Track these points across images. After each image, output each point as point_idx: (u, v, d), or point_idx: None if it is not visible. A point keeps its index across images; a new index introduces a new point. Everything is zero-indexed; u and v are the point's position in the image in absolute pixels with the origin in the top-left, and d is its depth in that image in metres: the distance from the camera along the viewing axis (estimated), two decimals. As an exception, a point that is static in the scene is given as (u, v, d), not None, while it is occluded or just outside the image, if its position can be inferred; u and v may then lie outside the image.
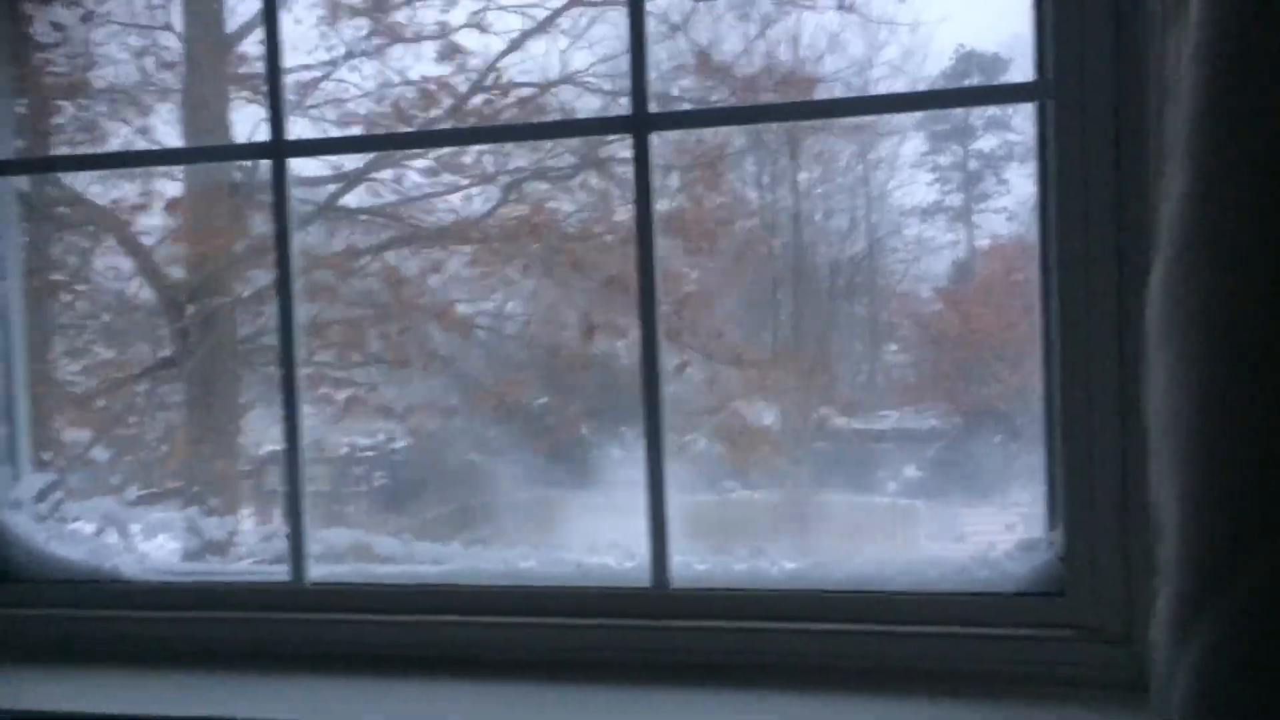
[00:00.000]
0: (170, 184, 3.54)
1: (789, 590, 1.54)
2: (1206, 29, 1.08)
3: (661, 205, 2.65)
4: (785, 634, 1.50)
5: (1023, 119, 2.63)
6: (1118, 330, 1.40)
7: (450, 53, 3.29)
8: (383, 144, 1.94)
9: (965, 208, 3.33)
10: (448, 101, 3.31)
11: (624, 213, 3.26)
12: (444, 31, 3.28)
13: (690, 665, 1.51)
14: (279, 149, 1.68)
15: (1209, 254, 1.10)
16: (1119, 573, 1.41)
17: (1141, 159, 1.36)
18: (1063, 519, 1.44)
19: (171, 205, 3.56)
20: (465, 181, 3.35)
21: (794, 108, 1.75)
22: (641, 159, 1.57)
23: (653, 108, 1.56)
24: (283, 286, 1.68)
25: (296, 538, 1.66)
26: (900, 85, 2.85)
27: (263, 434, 3.46)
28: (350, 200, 3.82)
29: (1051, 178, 1.44)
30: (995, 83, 2.87)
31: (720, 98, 3.31)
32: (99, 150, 2.93)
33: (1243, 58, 1.06)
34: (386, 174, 3.56)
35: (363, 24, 3.28)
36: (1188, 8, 1.18)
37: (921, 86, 2.78)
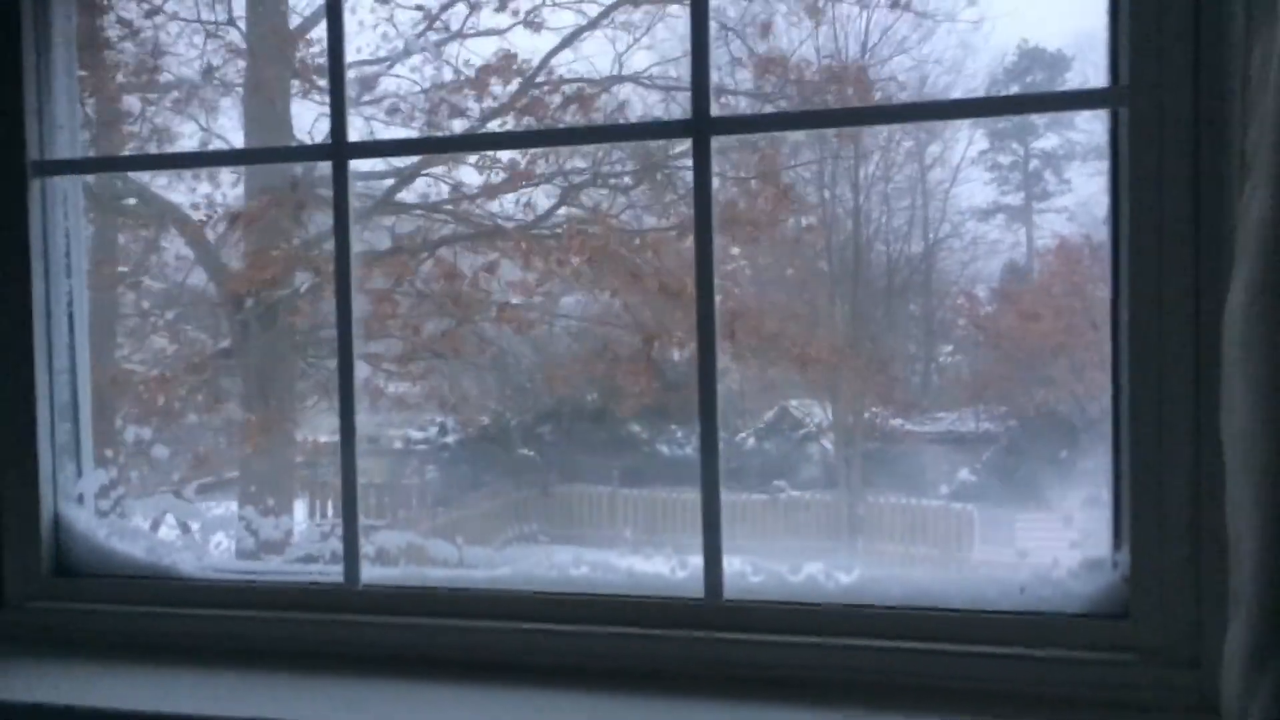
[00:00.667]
0: (232, 178, 3.58)
1: (844, 605, 1.51)
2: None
3: (719, 199, 2.61)
4: (840, 650, 1.47)
5: (1086, 118, 2.56)
6: (1193, 347, 1.34)
7: (507, 51, 3.30)
8: (442, 145, 1.93)
9: (1025, 207, 3.26)
10: (504, 95, 3.31)
11: (681, 212, 3.25)
12: (500, 28, 3.29)
13: (742, 679, 1.49)
14: (340, 151, 1.68)
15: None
16: (1187, 595, 1.36)
17: (1221, 172, 1.31)
18: (1129, 539, 1.40)
19: (234, 199, 3.62)
20: (522, 181, 3.35)
21: (856, 113, 1.71)
22: (703, 163, 1.55)
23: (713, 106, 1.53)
24: (341, 285, 1.68)
25: (350, 541, 1.66)
26: (961, 82, 2.79)
27: (320, 425, 3.50)
28: (406, 196, 3.85)
29: (1124, 188, 1.39)
30: (1058, 80, 2.81)
31: (775, 90, 3.27)
32: (165, 145, 2.97)
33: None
34: (439, 169, 3.58)
35: (420, 20, 3.29)
36: (1275, 14, 1.13)
37: (982, 81, 2.70)
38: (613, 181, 3.18)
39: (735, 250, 2.58)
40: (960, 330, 3.34)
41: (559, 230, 3.22)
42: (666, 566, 1.63)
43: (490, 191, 3.18)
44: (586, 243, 3.21)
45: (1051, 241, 3.14)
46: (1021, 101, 1.51)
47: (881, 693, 1.43)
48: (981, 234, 3.33)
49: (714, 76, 1.54)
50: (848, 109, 1.73)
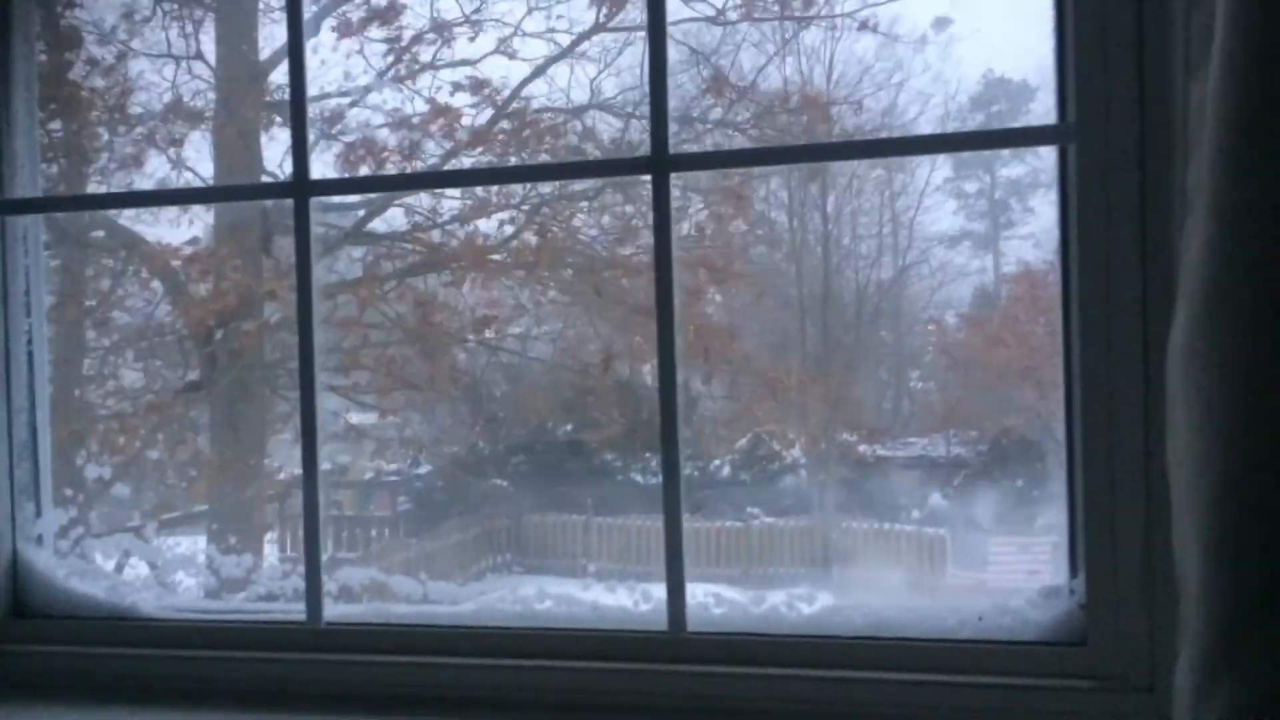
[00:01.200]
0: (203, 209, 3.58)
1: (807, 636, 1.52)
2: (1226, 78, 1.06)
3: (684, 228, 2.63)
4: (803, 681, 1.48)
5: (1050, 149, 2.61)
6: (1142, 375, 1.37)
7: (476, 80, 3.32)
8: (405, 184, 1.94)
9: (991, 234, 3.30)
10: (471, 125, 3.34)
11: (648, 235, 3.27)
12: (468, 60, 3.32)
13: (707, 710, 1.49)
14: (302, 189, 1.69)
15: (1231, 301, 1.08)
16: (1142, 622, 1.38)
17: (1166, 206, 1.34)
18: (1084, 566, 1.42)
19: (202, 232, 3.62)
20: (490, 205, 3.38)
21: (815, 149, 1.74)
22: (661, 199, 1.57)
23: (673, 131, 1.56)
24: (303, 319, 1.69)
25: (312, 579, 1.66)
26: (927, 110, 2.83)
27: (292, 457, 3.50)
28: (378, 225, 3.86)
29: (1072, 220, 1.42)
30: (1022, 109, 2.85)
31: (743, 118, 3.31)
32: (134, 177, 2.98)
33: (1262, 107, 1.04)
34: (411, 200, 3.59)
35: (388, 51, 3.32)
36: (1209, 55, 1.16)
37: (949, 111, 2.75)
38: (584, 204, 3.20)
39: (703, 274, 2.60)
40: (929, 356, 3.38)
41: (529, 255, 3.24)
42: (630, 599, 1.63)
43: (465, 217, 3.20)
44: (558, 264, 3.23)
45: (1016, 268, 3.18)
46: (973, 138, 1.55)
47: (843, 724, 1.44)
48: (949, 260, 3.37)
49: (680, 104, 1.57)
50: (806, 145, 1.76)
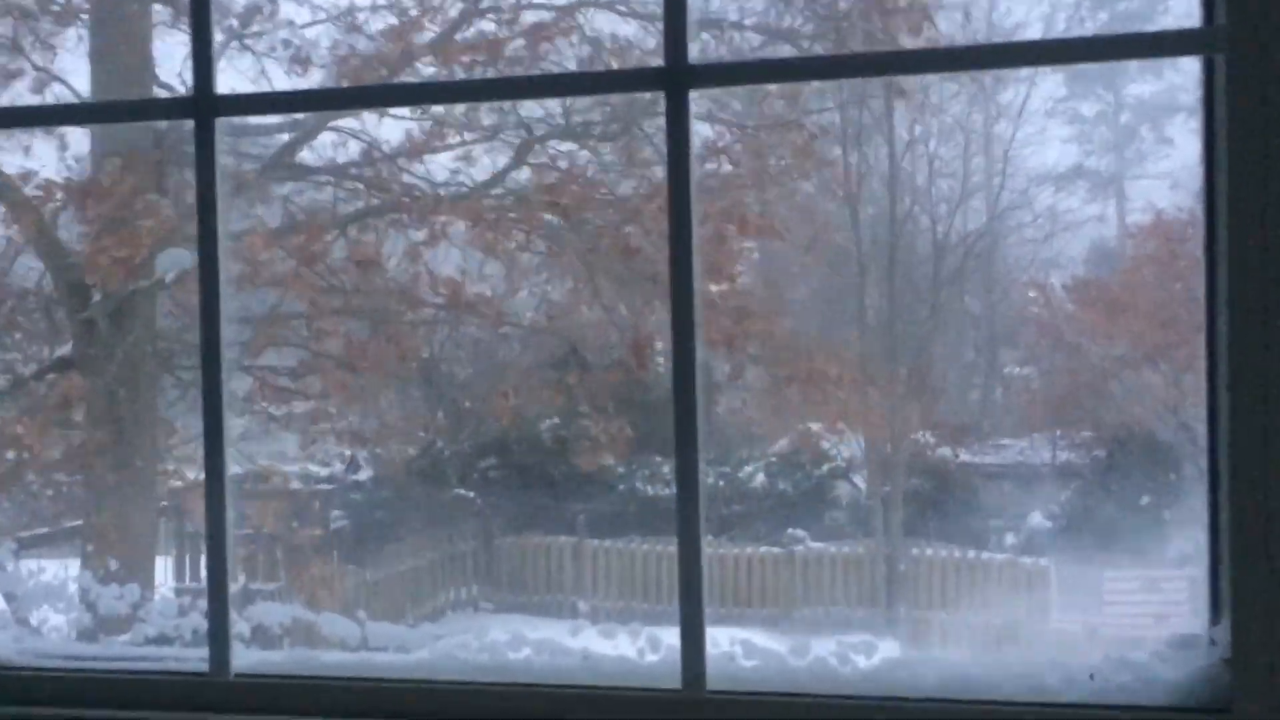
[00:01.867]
0: (78, 135, 3.56)
1: (864, 698, 1.51)
2: None
3: (712, 167, 2.62)
4: (857, 755, 1.48)
5: (1193, 59, 2.58)
6: (1309, 359, 1.36)
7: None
8: (339, 101, 1.92)
9: (1115, 172, 3.27)
10: (433, 30, 3.29)
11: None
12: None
13: (731, 793, 1.49)
14: (205, 106, 1.68)
15: None
16: (1306, 683, 1.38)
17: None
18: (1230, 610, 1.41)
19: (77, 162, 3.60)
20: (464, 136, 3.33)
21: (882, 60, 1.73)
22: (679, 121, 1.55)
23: (704, 41, 1.54)
24: (208, 275, 1.67)
25: (218, 617, 1.65)
26: (1034, 8, 2.81)
27: (186, 458, 3.48)
28: (308, 156, 3.82)
29: (1221, 156, 1.40)
30: (1158, 11, 2.81)
31: (794, 22, 3.27)
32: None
33: None
34: (354, 123, 3.53)
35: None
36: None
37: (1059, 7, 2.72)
38: (581, 132, 3.17)
39: (715, 227, 2.59)
40: (1030, 332, 3.36)
41: (509, 200, 3.22)
42: (633, 647, 1.63)
43: (415, 150, 3.17)
44: (546, 212, 3.21)
45: (1147, 216, 3.15)
46: (1093, 46, 1.53)
47: (911, 811, 1.44)
48: (1057, 207, 3.33)
49: (715, 4, 1.55)
50: (869, 54, 1.74)
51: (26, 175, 3.24)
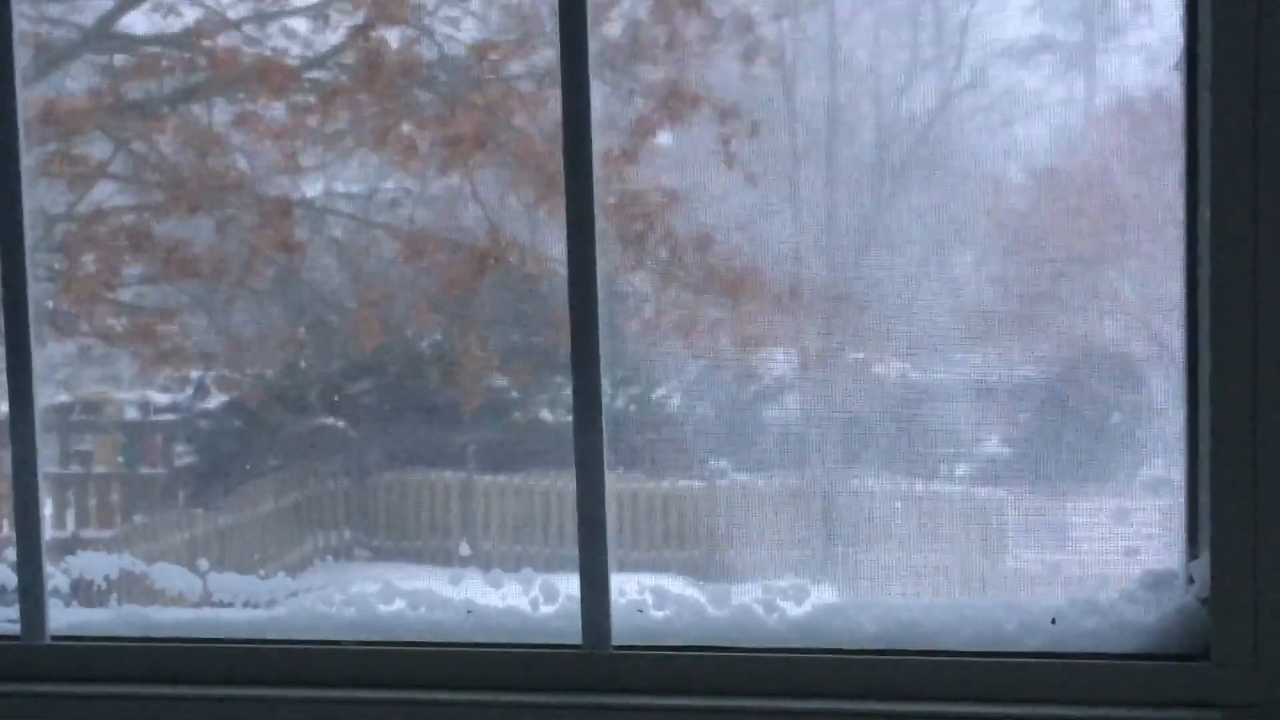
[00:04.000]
0: None
1: (793, 651, 1.53)
2: None
3: (613, 32, 2.58)
4: (783, 717, 1.49)
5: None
6: (1302, 256, 1.37)
7: None
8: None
9: (1084, 46, 3.30)
10: None
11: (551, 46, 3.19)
12: None
13: (640, 763, 1.51)
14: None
15: None
16: (1289, 624, 1.41)
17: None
18: (1209, 545, 1.43)
19: None
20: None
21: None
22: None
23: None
24: (6, 177, 1.64)
25: (30, 571, 1.63)
26: None
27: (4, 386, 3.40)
28: (135, 23, 3.72)
29: (1204, 13, 1.40)
30: None
31: None
32: None
33: None
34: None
35: None
36: None
37: None
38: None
39: (622, 110, 2.55)
40: (985, 231, 3.40)
41: (365, 65, 3.15)
42: (525, 597, 1.63)
43: (260, 16, 3.08)
44: (407, 90, 3.14)
45: (1116, 98, 3.19)
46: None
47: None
48: (1018, 85, 3.38)
49: None
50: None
51: None
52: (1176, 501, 1.52)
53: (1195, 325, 1.47)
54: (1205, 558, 1.45)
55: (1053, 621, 1.51)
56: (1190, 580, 1.48)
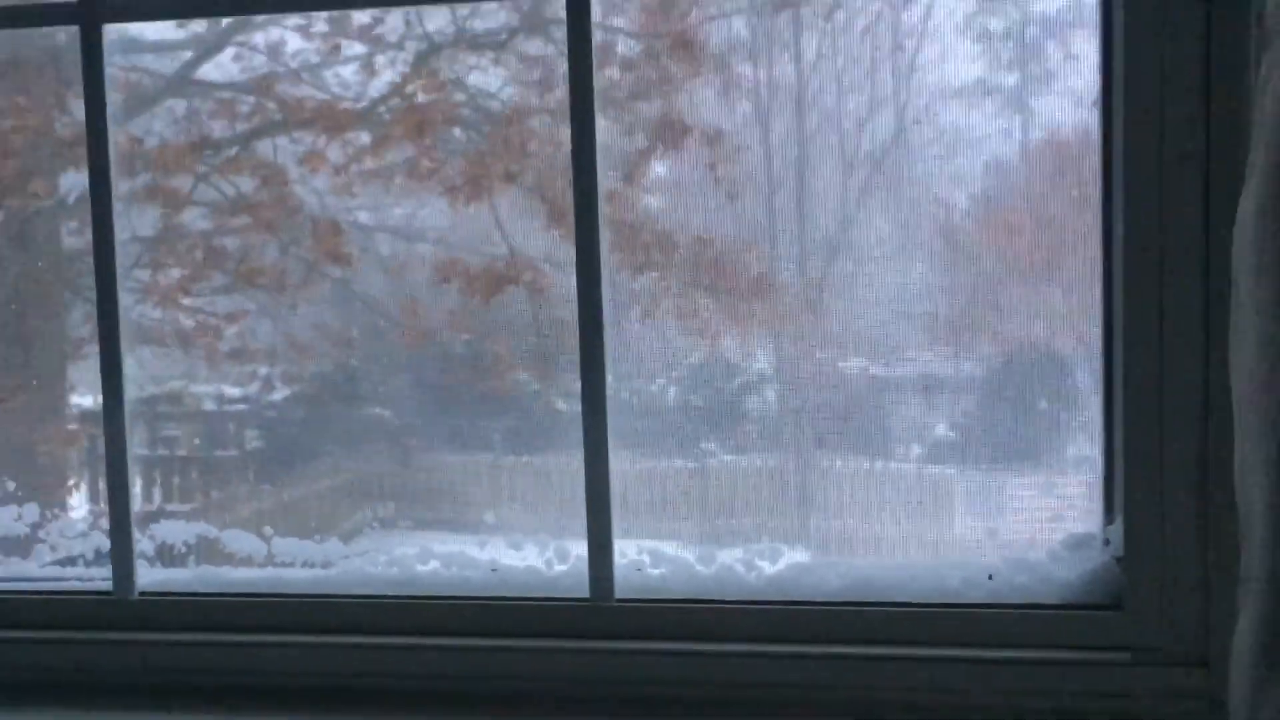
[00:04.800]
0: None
1: (768, 604, 1.53)
2: None
3: (615, 75, 2.57)
4: (763, 659, 1.49)
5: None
6: (1202, 266, 1.37)
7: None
8: (234, 6, 1.86)
9: (1020, 89, 3.28)
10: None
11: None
12: None
13: (641, 699, 1.51)
14: (91, 10, 1.62)
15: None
16: (1193, 577, 1.41)
17: (1236, 38, 1.32)
18: (1123, 511, 1.43)
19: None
20: (363, 49, 3.26)
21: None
22: (579, 26, 1.53)
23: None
24: (100, 202, 1.65)
25: (120, 537, 1.63)
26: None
27: (96, 383, 3.40)
28: (211, 72, 3.72)
29: (1118, 60, 1.40)
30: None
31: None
32: None
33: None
34: (259, 37, 3.46)
35: None
36: None
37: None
38: (479, 40, 3.09)
39: (624, 144, 2.54)
40: (934, 247, 3.38)
41: (411, 109, 3.14)
42: (541, 558, 1.63)
43: (317, 66, 3.08)
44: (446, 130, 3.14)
45: (1046, 134, 3.17)
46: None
47: (814, 711, 1.46)
48: (963, 122, 3.35)
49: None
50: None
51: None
52: (1095, 475, 1.52)
53: (1111, 326, 1.47)
54: (1119, 523, 1.44)
55: (990, 578, 1.51)
56: (1106, 542, 1.48)
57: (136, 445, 1.73)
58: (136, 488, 1.78)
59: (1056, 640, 1.46)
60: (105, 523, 1.67)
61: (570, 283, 1.61)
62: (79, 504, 3.04)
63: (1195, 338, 1.38)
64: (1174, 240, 1.37)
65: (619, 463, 1.63)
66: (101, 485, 3.27)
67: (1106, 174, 1.46)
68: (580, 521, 1.59)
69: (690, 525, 3.29)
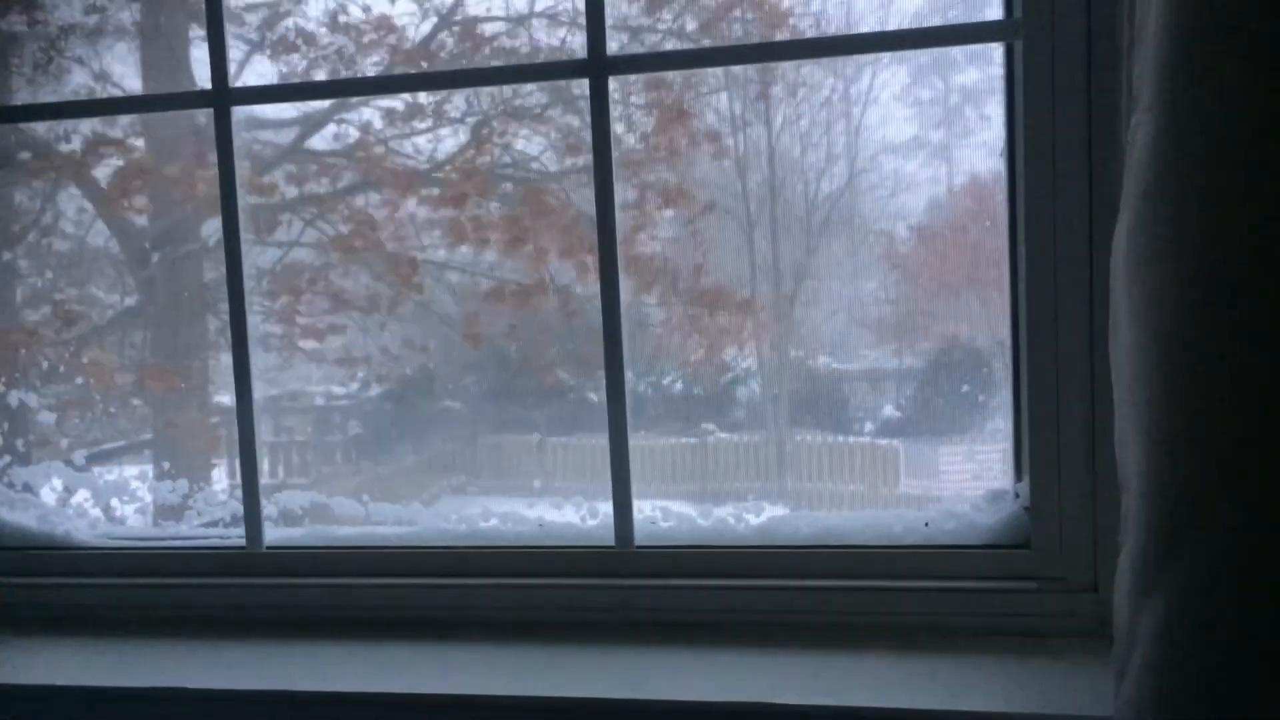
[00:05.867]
0: (133, 127, 3.45)
1: (753, 548, 1.52)
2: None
3: (629, 140, 2.55)
4: (750, 591, 1.49)
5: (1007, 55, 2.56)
6: (1087, 280, 1.36)
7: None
8: (334, 90, 1.87)
9: (945, 143, 3.25)
10: (407, 38, 3.22)
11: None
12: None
13: (656, 624, 1.50)
14: (222, 98, 1.61)
15: (1175, 193, 1.06)
16: (1086, 524, 1.40)
17: (1113, 106, 1.32)
18: (1029, 470, 1.42)
19: (133, 149, 3.48)
20: (430, 123, 3.28)
21: (761, 49, 1.69)
22: (600, 105, 1.52)
23: (621, 42, 1.51)
24: (230, 242, 1.64)
25: (251, 503, 1.63)
26: (880, 15, 2.76)
27: (228, 384, 3.44)
28: (316, 142, 3.75)
29: (1019, 121, 1.39)
30: (977, 14, 2.79)
31: (691, 28, 3.21)
32: (57, 91, 2.84)
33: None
34: (353, 115, 3.49)
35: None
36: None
37: (906, 18, 2.69)
38: (522, 113, 3.10)
39: (636, 194, 2.54)
40: (881, 268, 3.35)
41: (471, 168, 3.15)
42: (577, 515, 1.62)
43: (396, 135, 3.10)
44: (499, 183, 3.15)
45: (967, 178, 3.15)
46: (917, 36, 1.51)
47: (790, 632, 1.45)
48: (900, 170, 3.33)
49: (624, 15, 1.51)
50: (753, 45, 1.70)
51: (95, 163, 3.13)
52: (1008, 445, 1.51)
53: (1018, 327, 1.46)
54: (1026, 480, 1.44)
55: (925, 525, 1.50)
56: (1016, 496, 1.47)
57: (265, 433, 1.73)
58: (264, 465, 1.79)
59: (979, 573, 1.45)
60: (239, 493, 1.67)
61: (595, 303, 1.61)
62: (219, 478, 3.06)
63: (1083, 335, 1.37)
64: (1065, 257, 1.37)
65: (637, 440, 1.61)
66: (236, 464, 3.28)
67: (1012, 207, 1.46)
68: (606, 486, 1.58)
69: (693, 487, 3.29)
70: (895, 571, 1.47)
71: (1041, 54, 1.35)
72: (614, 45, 1.52)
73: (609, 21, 1.53)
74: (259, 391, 1.69)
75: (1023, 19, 1.36)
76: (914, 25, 2.70)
